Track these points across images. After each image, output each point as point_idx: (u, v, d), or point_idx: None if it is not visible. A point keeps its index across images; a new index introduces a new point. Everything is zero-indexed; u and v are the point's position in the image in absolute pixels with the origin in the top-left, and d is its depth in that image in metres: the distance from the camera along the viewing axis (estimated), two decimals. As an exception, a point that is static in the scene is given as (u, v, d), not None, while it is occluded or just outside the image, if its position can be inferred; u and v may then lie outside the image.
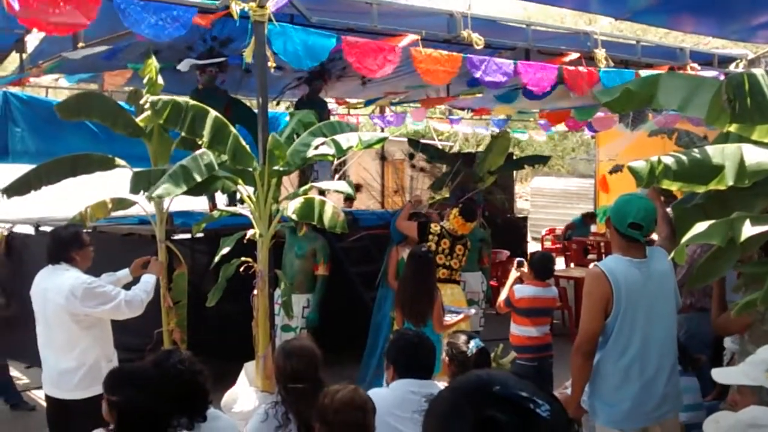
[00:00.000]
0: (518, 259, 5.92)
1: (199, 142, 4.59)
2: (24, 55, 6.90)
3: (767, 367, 2.39)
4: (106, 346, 4.45)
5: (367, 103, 10.59)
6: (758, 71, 2.90)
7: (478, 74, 5.77)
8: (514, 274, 5.69)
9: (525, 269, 5.67)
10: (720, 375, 2.55)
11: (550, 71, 6.15)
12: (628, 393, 3.48)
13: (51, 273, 4.37)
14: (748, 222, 2.65)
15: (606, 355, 3.51)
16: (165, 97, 4.65)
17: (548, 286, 5.68)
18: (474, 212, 6.53)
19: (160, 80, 5.32)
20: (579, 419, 3.63)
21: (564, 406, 3.19)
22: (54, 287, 4.27)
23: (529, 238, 13.03)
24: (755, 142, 2.91)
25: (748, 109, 2.84)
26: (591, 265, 3.60)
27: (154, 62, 5.58)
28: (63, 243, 4.46)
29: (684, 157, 2.91)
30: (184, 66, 5.94)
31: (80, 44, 5.53)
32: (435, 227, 6.31)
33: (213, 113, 4.63)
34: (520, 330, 5.54)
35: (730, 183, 2.79)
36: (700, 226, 2.75)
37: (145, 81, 5.65)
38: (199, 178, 4.45)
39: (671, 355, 3.60)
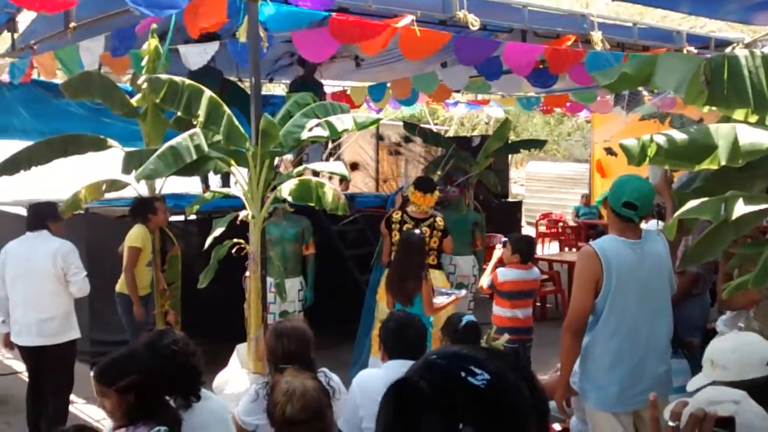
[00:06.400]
0: (504, 239, 5.93)
1: (194, 122, 4.56)
2: (15, 35, 6.84)
3: (711, 359, 2.42)
4: (73, 300, 5.21)
5: (375, 98, 10.38)
6: (741, 53, 2.87)
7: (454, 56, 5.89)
8: (497, 253, 5.70)
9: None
10: (690, 384, 2.52)
11: (532, 53, 6.16)
12: (618, 375, 3.48)
13: (34, 239, 5.08)
14: (741, 201, 2.64)
15: (596, 336, 3.51)
16: (163, 76, 4.61)
17: (530, 268, 5.70)
18: (429, 183, 6.37)
19: (163, 60, 5.32)
20: (569, 399, 3.63)
21: (553, 388, 3.16)
22: (40, 247, 5.02)
23: (523, 223, 13.02)
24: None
25: (724, 91, 2.82)
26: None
27: (156, 42, 5.54)
28: (43, 213, 5.20)
29: (676, 136, 2.89)
30: (197, 64, 5.81)
31: (72, 24, 5.48)
32: (396, 215, 6.28)
33: (208, 93, 4.60)
34: (504, 311, 5.58)
35: (723, 162, 2.77)
36: (694, 203, 2.74)
37: (143, 61, 5.62)
38: (188, 159, 4.42)
39: (664, 338, 3.60)
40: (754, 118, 2.93)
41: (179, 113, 4.60)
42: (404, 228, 6.14)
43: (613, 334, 3.47)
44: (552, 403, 3.57)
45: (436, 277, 6.17)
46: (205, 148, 4.56)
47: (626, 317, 3.46)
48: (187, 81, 4.61)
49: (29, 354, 5.15)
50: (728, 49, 7.84)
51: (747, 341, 2.38)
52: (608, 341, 3.48)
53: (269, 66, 8.85)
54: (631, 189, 3.44)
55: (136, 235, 5.74)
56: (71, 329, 5.19)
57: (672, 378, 3.73)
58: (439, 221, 6.25)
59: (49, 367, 5.14)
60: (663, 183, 3.95)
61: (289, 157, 8.30)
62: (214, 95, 4.65)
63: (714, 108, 2.92)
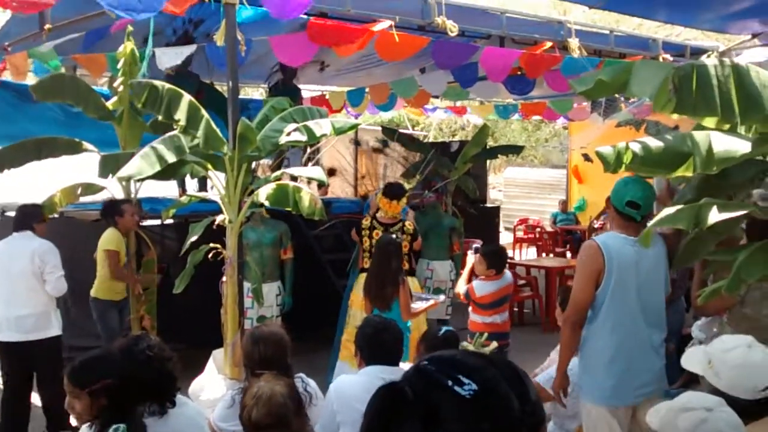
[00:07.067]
0: (475, 245, 5.95)
1: (175, 126, 4.53)
2: (-11, 37, 6.74)
3: (709, 358, 2.42)
4: (54, 300, 5.37)
5: (353, 103, 10.36)
6: (711, 62, 2.90)
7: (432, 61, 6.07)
8: (471, 259, 5.72)
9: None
10: (685, 360, 2.57)
11: (509, 57, 6.22)
12: (618, 369, 3.55)
13: (18, 239, 5.28)
14: (715, 208, 2.67)
15: (596, 331, 3.58)
16: (143, 80, 4.57)
17: (504, 275, 5.71)
18: (398, 190, 6.39)
19: (140, 62, 5.28)
20: (565, 389, 3.68)
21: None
22: (22, 247, 5.22)
23: (501, 228, 13.07)
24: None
25: (692, 100, 2.85)
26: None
27: (131, 45, 5.49)
28: (28, 214, 5.39)
29: (652, 144, 2.91)
30: (167, 64, 5.76)
31: (47, 26, 5.42)
32: (365, 221, 6.28)
33: (187, 96, 4.57)
34: (483, 318, 5.59)
35: (698, 170, 2.80)
36: (668, 210, 2.77)
37: (119, 64, 5.56)
38: (170, 160, 4.38)
39: (659, 335, 3.68)
40: (726, 127, 2.97)
41: (160, 117, 4.57)
42: (374, 234, 6.14)
43: (613, 328, 3.54)
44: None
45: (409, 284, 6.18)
46: (186, 149, 4.53)
47: (626, 312, 3.54)
48: (167, 85, 4.58)
49: (8, 350, 5.28)
50: (703, 57, 7.95)
51: (751, 363, 2.36)
52: (609, 335, 3.55)
53: (267, 71, 8.78)
54: (634, 189, 3.57)
55: (110, 239, 5.74)
56: (50, 327, 5.30)
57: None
58: (409, 225, 6.26)
59: (36, 365, 5.31)
60: (666, 194, 4.04)
61: (267, 161, 8.27)
62: (192, 99, 4.62)
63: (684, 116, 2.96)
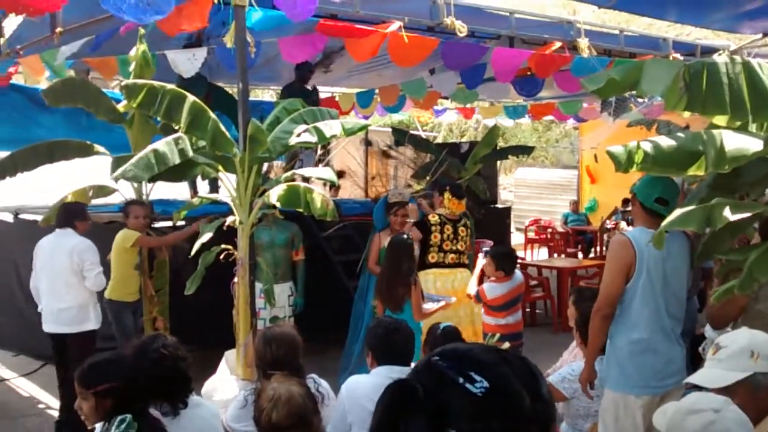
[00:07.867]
0: (485, 248, 5.97)
1: (176, 127, 4.53)
2: (1, 40, 6.79)
3: (750, 350, 2.38)
4: (94, 295, 5.60)
5: (362, 105, 10.36)
6: (721, 59, 2.89)
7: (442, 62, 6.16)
8: (481, 262, 5.73)
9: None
10: (706, 379, 2.47)
11: (520, 58, 6.22)
12: (647, 361, 3.59)
13: (60, 235, 5.51)
14: (727, 208, 2.66)
15: (626, 324, 3.62)
16: (140, 81, 4.58)
17: (513, 275, 5.70)
18: (461, 190, 6.69)
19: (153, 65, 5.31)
20: (592, 381, 3.70)
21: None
22: (63, 243, 5.44)
23: (513, 229, 13.04)
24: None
25: (702, 97, 2.84)
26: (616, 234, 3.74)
27: (144, 47, 5.51)
28: (72, 212, 5.61)
29: (663, 143, 2.91)
30: (189, 72, 5.76)
31: (58, 29, 5.44)
32: (433, 218, 6.35)
33: (191, 98, 4.56)
34: (496, 320, 5.59)
35: (710, 169, 2.79)
36: (679, 212, 2.76)
37: (131, 67, 5.58)
38: (170, 163, 4.38)
39: (680, 328, 3.75)
40: (737, 124, 2.96)
41: (159, 118, 4.57)
42: (445, 228, 6.27)
43: (645, 322, 3.58)
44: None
45: (465, 278, 6.23)
46: (190, 152, 4.52)
47: (655, 305, 3.58)
48: (168, 86, 4.57)
49: (53, 340, 5.60)
50: (714, 56, 7.90)
51: None
52: (641, 328, 3.59)
53: (277, 73, 8.80)
54: (662, 186, 3.62)
55: (128, 235, 5.77)
56: (87, 320, 5.54)
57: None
58: (468, 221, 6.49)
59: (72, 357, 5.42)
60: (681, 196, 4.06)
61: (280, 162, 8.28)
62: (197, 101, 4.60)
63: (696, 114, 2.95)
